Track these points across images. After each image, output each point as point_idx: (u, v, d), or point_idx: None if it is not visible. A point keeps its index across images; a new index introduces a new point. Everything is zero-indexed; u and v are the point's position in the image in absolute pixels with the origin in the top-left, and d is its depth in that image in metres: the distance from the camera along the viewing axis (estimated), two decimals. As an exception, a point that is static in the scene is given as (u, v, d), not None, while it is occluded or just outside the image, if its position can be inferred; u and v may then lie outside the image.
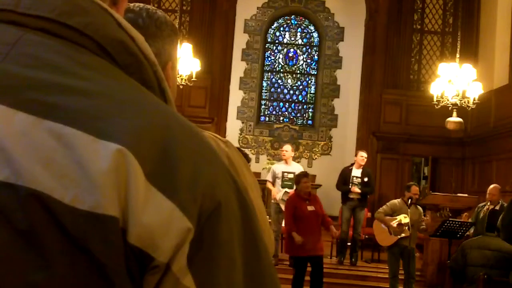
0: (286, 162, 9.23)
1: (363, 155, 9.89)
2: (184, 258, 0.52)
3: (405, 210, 7.73)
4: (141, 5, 1.34)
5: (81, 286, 0.50)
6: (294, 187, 8.96)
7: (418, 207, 8.06)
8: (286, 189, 8.94)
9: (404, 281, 7.83)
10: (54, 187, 0.50)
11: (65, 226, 0.50)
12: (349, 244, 9.68)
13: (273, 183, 9.22)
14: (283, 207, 8.87)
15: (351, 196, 9.49)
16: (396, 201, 8.05)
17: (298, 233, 7.26)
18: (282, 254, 9.14)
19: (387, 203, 8.14)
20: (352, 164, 10.03)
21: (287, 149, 9.34)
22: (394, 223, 7.80)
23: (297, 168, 9.26)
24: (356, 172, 9.71)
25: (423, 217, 7.91)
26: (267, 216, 1.69)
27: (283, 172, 9.08)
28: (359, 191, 9.49)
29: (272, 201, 9.08)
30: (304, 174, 7.78)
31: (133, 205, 0.51)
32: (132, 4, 1.32)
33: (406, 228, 7.70)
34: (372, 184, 9.98)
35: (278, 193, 9.01)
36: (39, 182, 0.50)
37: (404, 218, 7.72)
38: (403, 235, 7.74)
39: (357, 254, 9.82)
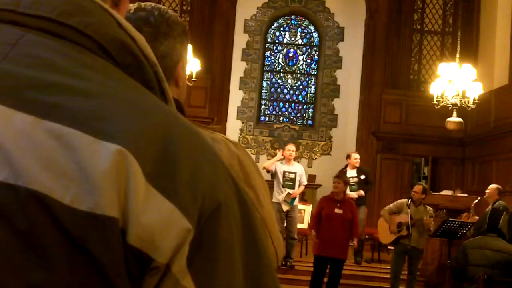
0: (288, 162, 9.18)
1: (356, 157, 9.92)
2: (183, 259, 0.52)
3: (411, 209, 7.71)
4: (153, 4, 1.34)
5: (81, 287, 0.50)
6: (296, 187, 9.01)
7: (427, 207, 7.98)
8: (289, 191, 8.92)
9: (407, 280, 7.83)
10: (54, 188, 0.50)
11: (65, 226, 0.50)
12: (351, 244, 9.67)
13: (273, 177, 9.16)
14: (284, 208, 8.88)
15: (350, 196, 9.46)
16: (404, 200, 8.03)
17: (321, 233, 7.38)
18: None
19: (395, 202, 8.15)
20: (346, 166, 10.03)
21: (293, 148, 9.30)
22: (394, 222, 7.79)
23: (298, 168, 9.25)
24: (351, 172, 9.70)
25: (424, 217, 7.85)
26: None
27: (284, 172, 9.03)
28: (355, 196, 9.45)
29: (273, 200, 9.05)
30: (336, 176, 7.76)
31: (133, 206, 0.51)
32: (143, 3, 1.32)
33: (405, 227, 7.68)
34: (370, 180, 10.00)
35: (281, 194, 8.99)
36: (38, 182, 0.50)
37: (405, 217, 7.71)
38: (401, 234, 7.72)
39: (361, 254, 9.84)
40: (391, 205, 8.10)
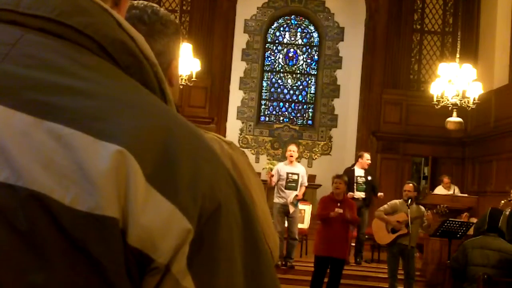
0: (291, 163, 9.17)
1: (369, 157, 9.95)
2: (183, 259, 0.52)
3: (405, 209, 7.72)
4: (145, 2, 1.34)
5: (81, 287, 0.50)
6: (298, 188, 9.00)
7: (420, 206, 8.05)
8: (295, 193, 8.92)
9: (404, 281, 7.82)
10: (54, 188, 0.50)
11: (65, 227, 0.50)
12: (353, 244, 9.68)
13: (276, 183, 9.15)
14: (291, 209, 8.88)
15: (355, 196, 9.48)
16: (397, 201, 8.05)
17: (322, 234, 7.40)
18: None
19: (388, 203, 8.15)
20: (353, 165, 10.03)
21: (295, 149, 9.28)
22: (394, 220, 7.80)
23: (301, 169, 9.23)
24: (359, 171, 9.73)
25: (425, 213, 7.89)
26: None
27: (287, 173, 9.02)
28: (363, 196, 9.51)
29: (275, 200, 9.04)
30: (337, 176, 7.77)
31: (133, 206, 0.51)
32: (135, 2, 1.32)
33: (405, 226, 7.68)
34: (376, 183, 10.06)
35: (282, 195, 8.98)
36: (39, 183, 0.50)
37: (403, 216, 7.71)
38: (401, 232, 7.73)
39: (362, 254, 9.85)
40: (385, 205, 8.09)
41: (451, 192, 10.92)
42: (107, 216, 0.50)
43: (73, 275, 0.50)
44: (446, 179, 11.26)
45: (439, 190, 11.09)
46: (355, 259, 9.75)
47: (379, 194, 9.76)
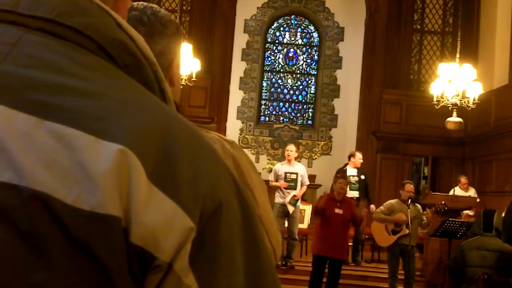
0: (289, 162, 9.15)
1: (361, 156, 9.93)
2: (186, 257, 0.52)
3: (404, 209, 7.72)
4: (145, 3, 1.34)
5: (83, 286, 0.50)
6: (298, 188, 8.98)
7: (417, 204, 8.06)
8: (293, 192, 8.90)
9: (404, 281, 7.82)
10: (57, 188, 0.50)
11: (68, 226, 0.50)
12: (350, 244, 9.68)
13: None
14: (290, 209, 8.86)
15: (349, 195, 9.46)
16: (393, 201, 8.03)
17: (322, 233, 7.33)
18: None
19: (384, 204, 8.13)
20: (346, 165, 10.02)
21: (292, 149, 9.26)
22: (394, 219, 7.80)
23: (300, 168, 9.21)
24: (352, 171, 9.71)
25: (423, 212, 7.89)
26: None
27: (285, 173, 9.00)
28: (356, 195, 9.50)
29: (275, 200, 9.02)
30: (342, 176, 7.75)
31: (135, 205, 0.51)
32: (135, 3, 1.33)
33: (405, 226, 7.68)
34: (369, 183, 10.05)
35: (282, 196, 8.97)
36: (41, 183, 0.50)
37: (402, 216, 7.71)
38: (402, 233, 7.73)
39: (361, 254, 9.84)
40: (382, 207, 8.07)
41: (468, 193, 10.67)
42: (110, 215, 0.50)
43: (76, 274, 0.50)
44: (463, 179, 10.76)
45: (456, 191, 10.77)
46: (353, 259, 9.74)
47: (371, 206, 9.75)
